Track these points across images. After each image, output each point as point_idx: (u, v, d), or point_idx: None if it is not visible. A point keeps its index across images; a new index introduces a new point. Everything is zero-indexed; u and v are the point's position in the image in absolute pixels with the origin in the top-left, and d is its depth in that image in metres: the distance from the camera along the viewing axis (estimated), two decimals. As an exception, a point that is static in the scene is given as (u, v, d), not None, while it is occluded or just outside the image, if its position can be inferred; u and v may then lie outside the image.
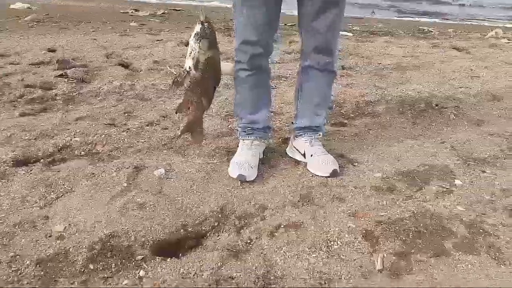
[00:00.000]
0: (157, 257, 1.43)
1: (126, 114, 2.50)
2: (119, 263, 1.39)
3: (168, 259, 1.41)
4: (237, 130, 2.07)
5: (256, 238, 1.53)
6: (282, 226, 1.58)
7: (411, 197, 1.78)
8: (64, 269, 1.36)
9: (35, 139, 2.15)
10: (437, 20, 6.84)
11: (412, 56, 4.01)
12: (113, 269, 1.37)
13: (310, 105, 2.01)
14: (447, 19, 6.74)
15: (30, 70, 3.17)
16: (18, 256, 1.39)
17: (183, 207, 1.68)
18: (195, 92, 1.78)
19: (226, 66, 3.35)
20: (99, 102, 2.66)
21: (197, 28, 1.70)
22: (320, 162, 1.94)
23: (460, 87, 3.10)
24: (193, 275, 1.33)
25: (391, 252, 1.44)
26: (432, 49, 4.31)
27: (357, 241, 1.50)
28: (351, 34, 5.04)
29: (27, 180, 1.80)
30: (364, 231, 1.55)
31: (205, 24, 1.69)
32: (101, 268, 1.36)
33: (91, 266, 1.37)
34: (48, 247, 1.43)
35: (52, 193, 1.74)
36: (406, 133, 2.39)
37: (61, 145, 2.11)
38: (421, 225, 1.57)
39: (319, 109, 2.02)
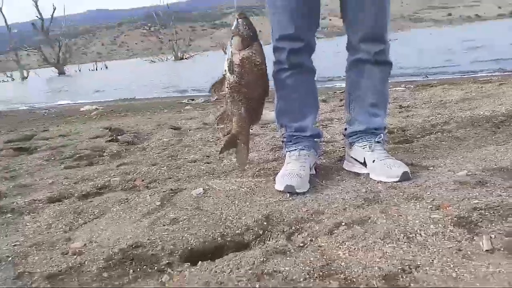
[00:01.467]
0: (186, 263, 1.13)
1: (170, 158, 2.36)
2: (138, 270, 1.11)
3: (199, 262, 1.11)
4: (282, 142, 1.83)
5: (311, 240, 1.19)
6: (344, 223, 1.23)
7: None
8: (74, 280, 1.10)
9: (75, 183, 2.05)
10: (496, 73, 6.44)
11: (477, 92, 3.65)
12: (130, 276, 1.09)
13: (364, 105, 1.73)
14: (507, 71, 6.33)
15: (85, 140, 3.23)
16: (26, 273, 1.17)
17: (222, 219, 1.40)
18: (234, 100, 1.59)
19: (268, 115, 3.23)
20: (144, 153, 2.57)
21: (233, 25, 1.55)
22: (385, 166, 1.61)
23: (544, 104, 2.67)
24: (228, 272, 1.01)
25: (501, 233, 1.04)
26: (500, 86, 3.93)
27: (448, 230, 1.11)
28: (404, 88, 4.81)
29: (55, 210, 1.64)
30: (456, 219, 1.16)
31: (239, 20, 1.53)
32: (116, 276, 1.09)
33: (105, 275, 1.10)
34: (62, 263, 1.20)
35: (79, 219, 1.56)
36: (487, 141, 1.99)
37: (99, 185, 1.97)
38: (535, 207, 1.16)
39: (377, 109, 1.73)
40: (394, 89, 4.66)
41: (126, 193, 1.77)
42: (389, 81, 1.80)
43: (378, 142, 1.72)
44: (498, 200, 1.25)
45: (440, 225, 1.14)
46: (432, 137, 2.17)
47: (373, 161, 1.66)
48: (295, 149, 1.73)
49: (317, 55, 1.78)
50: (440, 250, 1.00)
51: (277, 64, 1.72)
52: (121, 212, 1.55)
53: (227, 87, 1.59)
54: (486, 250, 0.96)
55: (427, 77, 7.17)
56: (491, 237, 1.02)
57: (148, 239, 1.27)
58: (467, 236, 1.06)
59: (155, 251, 1.21)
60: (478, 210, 1.18)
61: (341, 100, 4.21)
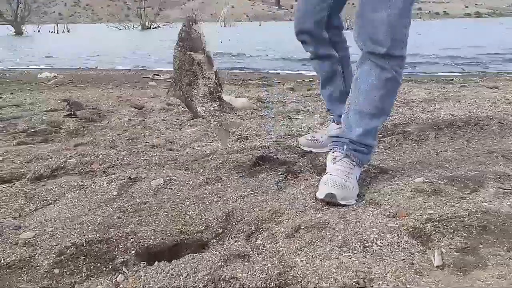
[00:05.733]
0: (141, 262, 1.11)
1: (130, 140, 2.29)
2: (92, 268, 1.08)
3: (156, 263, 1.09)
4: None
5: (270, 242, 1.20)
6: (303, 227, 1.24)
7: (464, 198, 1.42)
8: (22, 276, 1.05)
9: (28, 162, 1.94)
10: (458, 73, 6.66)
11: (439, 93, 3.76)
12: (83, 274, 1.05)
13: (348, 111, 1.57)
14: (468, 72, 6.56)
15: (41, 113, 3.07)
16: (-31, 265, 1.11)
17: (181, 215, 1.38)
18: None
19: (241, 102, 3.19)
20: (103, 133, 2.48)
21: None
22: (322, 182, 1.46)
23: (499, 111, 2.80)
24: (185, 276, 1.00)
25: (451, 248, 1.08)
26: (460, 89, 4.07)
27: (403, 241, 1.15)
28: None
29: (5, 194, 1.56)
30: (411, 230, 1.19)
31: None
32: (68, 273, 1.05)
33: (56, 271, 1.06)
34: (11, 255, 1.14)
35: (31, 205, 1.49)
36: (445, 146, 2.06)
37: (54, 166, 1.88)
38: (486, 222, 1.21)
39: (359, 119, 1.53)
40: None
41: (82, 178, 1.71)
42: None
43: (347, 155, 1.55)
44: (451, 211, 1.30)
45: (395, 234, 1.18)
46: (393, 139, 2.22)
47: (326, 173, 1.54)
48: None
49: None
50: (394, 262, 1.03)
51: None
52: (76, 200, 1.50)
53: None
54: (437, 266, 1.00)
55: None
56: (442, 251, 1.06)
57: (102, 234, 1.23)
58: (420, 249, 1.10)
59: (110, 247, 1.17)
60: (432, 222, 1.22)
61: (308, 89, 4.22)
